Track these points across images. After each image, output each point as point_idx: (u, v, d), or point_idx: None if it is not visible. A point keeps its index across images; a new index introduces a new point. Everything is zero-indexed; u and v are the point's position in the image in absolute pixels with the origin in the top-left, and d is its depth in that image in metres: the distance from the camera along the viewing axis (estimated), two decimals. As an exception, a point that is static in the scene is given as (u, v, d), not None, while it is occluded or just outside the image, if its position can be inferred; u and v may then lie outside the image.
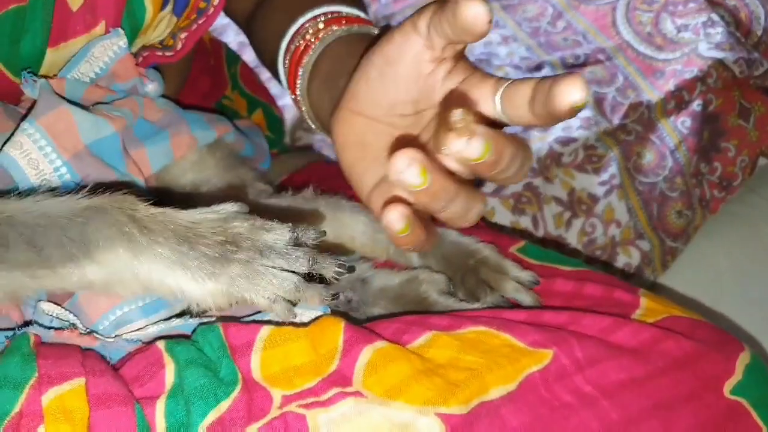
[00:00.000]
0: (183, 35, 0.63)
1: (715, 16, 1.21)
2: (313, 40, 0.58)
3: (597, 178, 1.12)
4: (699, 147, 1.16)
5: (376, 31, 0.59)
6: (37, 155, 0.49)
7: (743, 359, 0.52)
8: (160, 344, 0.45)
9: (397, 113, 0.48)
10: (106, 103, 0.56)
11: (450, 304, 0.57)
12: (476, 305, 0.57)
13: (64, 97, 0.53)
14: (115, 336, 0.46)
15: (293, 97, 0.61)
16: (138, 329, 0.46)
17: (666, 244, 1.15)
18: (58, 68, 0.56)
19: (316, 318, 0.46)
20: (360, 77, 0.48)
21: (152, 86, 0.60)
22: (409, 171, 0.37)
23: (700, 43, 1.19)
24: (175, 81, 0.71)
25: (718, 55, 1.16)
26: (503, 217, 1.06)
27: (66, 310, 0.46)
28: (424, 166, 0.37)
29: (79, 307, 0.46)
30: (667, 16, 1.26)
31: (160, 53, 0.64)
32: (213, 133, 0.61)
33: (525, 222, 1.07)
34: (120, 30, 0.57)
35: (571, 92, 0.37)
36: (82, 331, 0.46)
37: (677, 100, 1.16)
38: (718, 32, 1.19)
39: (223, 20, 0.88)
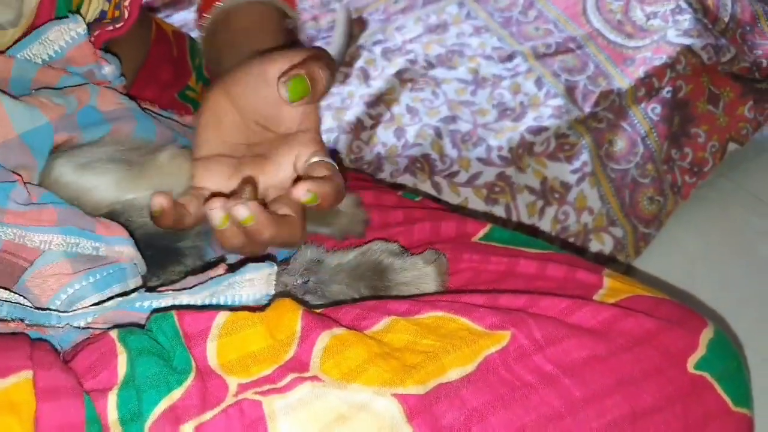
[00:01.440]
0: (126, 2, 0.64)
1: (683, 3, 1.22)
2: None
3: (569, 166, 1.13)
4: (670, 133, 1.17)
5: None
6: None
7: (706, 334, 0.52)
8: (113, 333, 0.44)
9: (258, 121, 0.54)
10: (55, 88, 0.55)
11: (404, 263, 0.57)
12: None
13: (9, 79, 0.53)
14: (66, 324, 0.45)
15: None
16: (93, 304, 0.46)
17: (639, 230, 1.15)
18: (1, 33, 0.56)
19: (273, 302, 0.46)
20: (242, 77, 0.53)
21: (108, 69, 0.59)
22: (215, 214, 0.46)
23: (668, 30, 1.20)
24: (130, 65, 0.71)
25: (687, 41, 1.17)
26: (476, 206, 1.06)
27: (14, 293, 0.45)
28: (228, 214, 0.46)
29: (27, 289, 0.46)
30: (637, 4, 1.27)
31: (110, 28, 0.64)
32: (153, 138, 0.60)
33: (498, 211, 1.07)
34: (78, 16, 0.56)
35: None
36: (29, 323, 0.45)
37: (647, 87, 1.16)
38: (686, 19, 1.20)
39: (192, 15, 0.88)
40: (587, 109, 1.15)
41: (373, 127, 1.18)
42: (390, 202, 0.68)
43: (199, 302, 0.47)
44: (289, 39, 0.67)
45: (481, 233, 0.64)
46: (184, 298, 0.47)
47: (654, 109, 1.16)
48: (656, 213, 1.17)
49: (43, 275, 0.46)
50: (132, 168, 0.54)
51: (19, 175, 0.49)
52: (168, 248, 0.56)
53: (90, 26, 0.62)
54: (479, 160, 1.09)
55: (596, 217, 1.12)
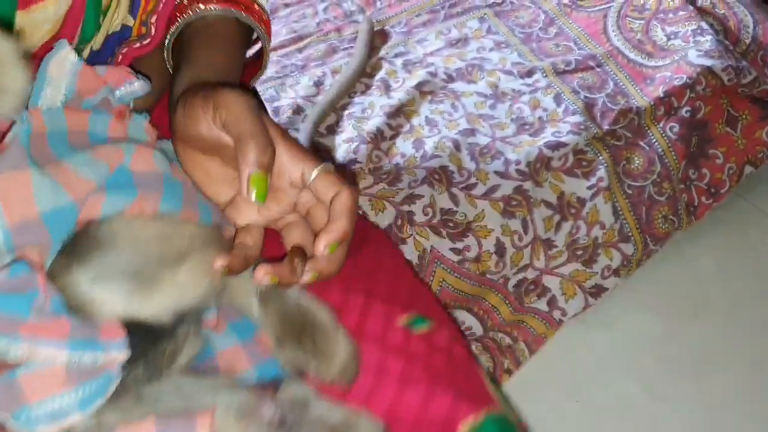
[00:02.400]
0: (153, 19, 0.65)
1: (704, 24, 1.23)
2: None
3: (586, 182, 1.13)
4: (687, 153, 1.17)
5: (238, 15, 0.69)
6: None
7: None
8: None
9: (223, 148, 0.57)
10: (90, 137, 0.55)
11: None
12: None
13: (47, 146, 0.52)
14: None
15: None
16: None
17: (648, 247, 1.16)
18: (30, 34, 0.56)
19: None
20: (188, 119, 0.56)
21: (130, 87, 0.59)
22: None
23: (689, 51, 1.21)
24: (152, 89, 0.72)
25: (707, 62, 1.18)
26: (493, 219, 1.07)
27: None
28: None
29: (16, 384, 0.47)
30: (657, 24, 1.28)
31: (137, 45, 0.64)
32: (177, 212, 0.58)
33: (515, 225, 1.08)
34: (63, 41, 0.56)
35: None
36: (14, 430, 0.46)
37: (666, 106, 1.17)
38: (707, 40, 1.21)
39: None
40: (606, 127, 1.16)
41: (393, 137, 1.20)
42: (396, 339, 0.67)
43: None
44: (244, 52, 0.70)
45: (469, 422, 0.62)
46: None
47: (672, 128, 1.17)
48: (669, 232, 1.18)
49: (37, 375, 0.47)
50: (147, 284, 0.54)
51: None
52: (161, 330, 0.56)
53: (110, 40, 0.63)
54: (497, 173, 1.11)
55: (607, 232, 1.13)
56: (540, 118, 1.20)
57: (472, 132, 1.18)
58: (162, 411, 0.54)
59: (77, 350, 0.48)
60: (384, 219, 1.06)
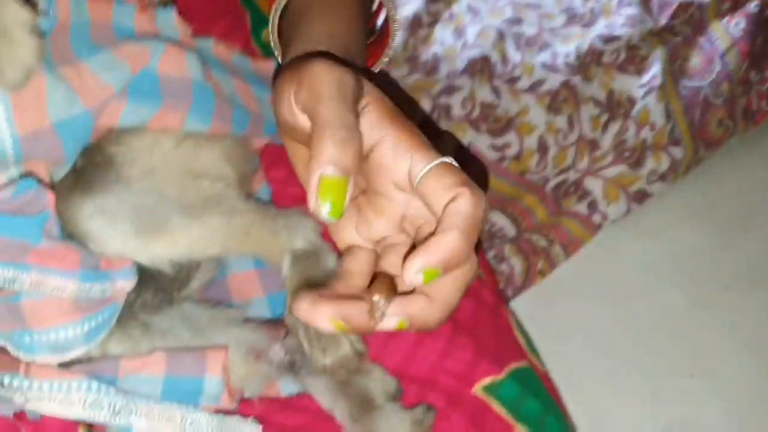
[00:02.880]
0: None
1: None
2: None
3: (638, 79, 1.06)
4: (751, 52, 1.08)
5: None
6: None
7: None
8: None
9: None
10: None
11: (392, 414, 0.54)
12: None
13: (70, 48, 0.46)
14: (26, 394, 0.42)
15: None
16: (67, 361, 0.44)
17: (699, 152, 1.09)
18: None
19: None
20: (275, 99, 0.43)
21: None
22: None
23: (762, -62, 1.10)
24: None
25: (781, -49, 1.07)
26: (537, 115, 1.00)
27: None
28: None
29: (19, 308, 0.43)
30: None
31: None
32: (206, 126, 0.52)
33: (560, 122, 1.01)
34: None
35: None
36: (14, 354, 0.42)
37: (732, 0, 1.08)
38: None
39: None
40: (663, 21, 1.07)
41: (431, 24, 1.11)
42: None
43: (174, 431, 0.45)
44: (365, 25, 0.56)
45: (488, 380, 0.59)
46: (159, 426, 0.45)
47: (737, 24, 1.07)
48: (723, 137, 1.11)
49: (42, 303, 0.43)
50: (154, 230, 0.48)
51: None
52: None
53: None
54: (544, 66, 1.03)
55: (657, 134, 1.06)
56: (592, 9, 1.11)
57: (518, 21, 1.09)
58: (172, 344, 0.51)
59: (87, 282, 0.44)
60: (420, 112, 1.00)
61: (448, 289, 0.39)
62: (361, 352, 0.53)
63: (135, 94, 0.48)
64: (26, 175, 0.45)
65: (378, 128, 0.40)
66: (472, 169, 0.84)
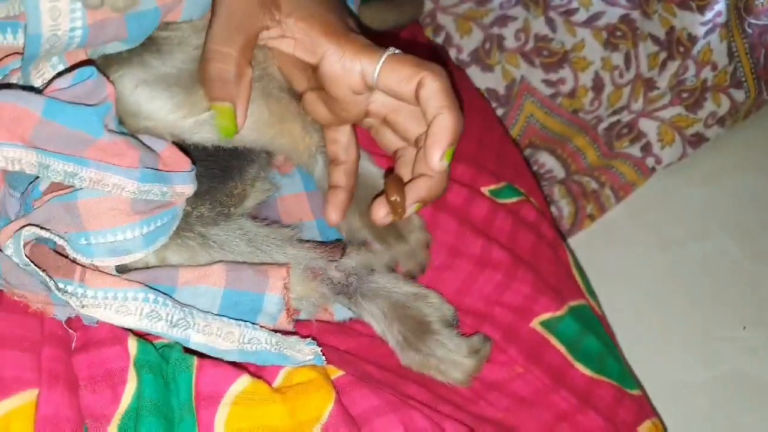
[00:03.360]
0: None
1: None
2: None
3: (701, 17, 1.00)
4: (823, -10, 1.02)
5: None
6: (65, 6, 0.41)
7: None
8: (132, 346, 0.40)
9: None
10: None
11: (450, 340, 0.51)
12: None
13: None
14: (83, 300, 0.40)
15: None
16: (127, 264, 0.42)
17: (762, 95, 1.04)
18: None
19: (305, 381, 0.43)
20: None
21: None
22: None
23: None
24: None
25: None
26: (594, 50, 0.95)
27: (56, 235, 0.40)
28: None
29: (75, 207, 0.40)
30: None
31: None
32: None
33: (617, 59, 0.96)
34: None
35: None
36: (72, 256, 0.40)
37: (805, -67, 1.00)
38: None
39: None
40: (730, -46, 1.01)
41: (482, -47, 1.06)
42: (480, 212, 0.59)
43: (231, 347, 0.42)
44: None
45: (546, 316, 0.56)
46: (218, 342, 0.42)
47: (811, -42, 1.00)
48: (786, 81, 1.05)
49: (99, 204, 0.40)
50: (193, 94, 0.46)
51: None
52: (228, 167, 0.51)
53: None
54: (603, -2, 0.97)
55: (719, 74, 1.01)
56: (653, -60, 1.04)
57: (575, -49, 1.03)
58: (230, 258, 0.48)
59: (146, 182, 0.41)
60: (470, 43, 0.95)
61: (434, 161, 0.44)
62: (429, 241, 0.56)
63: None
64: (87, 62, 0.42)
65: (316, 45, 0.45)
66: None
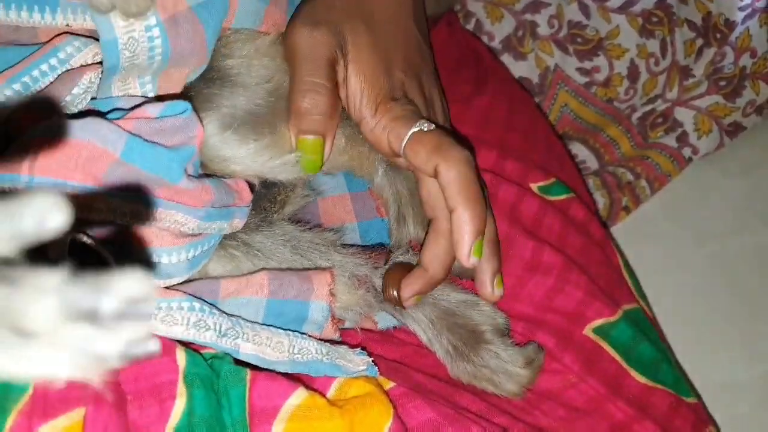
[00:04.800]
0: None
1: None
2: None
3: (739, 1, 0.96)
4: None
5: None
6: None
7: None
8: (180, 359, 0.38)
9: None
10: None
11: (504, 350, 0.49)
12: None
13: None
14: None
15: None
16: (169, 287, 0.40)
17: (804, 83, 1.00)
18: None
19: (362, 394, 0.40)
20: None
21: None
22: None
23: None
24: None
25: None
26: (629, 37, 0.92)
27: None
28: None
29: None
30: None
31: None
32: None
33: (652, 46, 0.93)
34: None
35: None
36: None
37: None
38: None
39: None
40: (769, -65, 0.97)
41: (510, -63, 1.02)
42: (530, 212, 0.57)
43: (281, 357, 0.40)
44: None
45: (599, 322, 0.54)
46: (267, 352, 0.40)
47: None
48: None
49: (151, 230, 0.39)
50: (277, 131, 0.45)
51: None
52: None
53: None
54: (638, -17, 0.94)
55: (758, 62, 0.97)
56: None
57: (607, -66, 0.99)
58: (274, 266, 0.46)
59: (208, 221, 0.39)
60: (501, 30, 0.92)
61: (489, 248, 0.46)
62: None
63: None
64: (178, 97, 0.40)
65: (358, 106, 0.45)
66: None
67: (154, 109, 0.37)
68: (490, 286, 0.46)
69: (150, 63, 0.38)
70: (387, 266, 0.49)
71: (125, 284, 0.18)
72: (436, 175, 0.43)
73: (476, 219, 0.43)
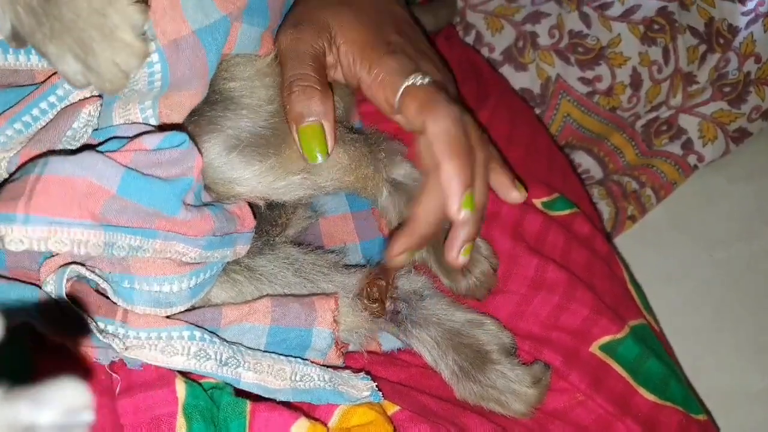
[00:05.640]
0: None
1: None
2: None
3: (741, 6, 0.95)
4: None
5: None
6: None
7: None
8: (179, 390, 0.38)
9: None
10: None
11: (511, 370, 0.48)
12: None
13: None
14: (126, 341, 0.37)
15: None
16: (169, 315, 0.40)
17: (808, 88, 1.00)
18: None
19: (365, 423, 0.40)
20: None
21: None
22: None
23: None
24: None
25: None
26: (630, 45, 0.91)
27: (98, 276, 0.37)
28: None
29: (127, 268, 0.38)
30: None
31: None
32: None
33: (654, 54, 0.92)
34: None
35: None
36: (113, 299, 0.37)
37: None
38: None
39: None
40: (770, -61, 0.96)
41: (509, -53, 1.02)
42: (533, 228, 0.56)
43: (283, 385, 0.40)
44: None
45: (606, 339, 0.53)
46: (269, 380, 0.40)
47: None
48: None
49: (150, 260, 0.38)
50: (282, 153, 0.45)
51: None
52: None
53: None
54: (639, -10, 0.93)
55: (762, 67, 0.96)
56: (688, -73, 1.00)
57: (607, -58, 0.99)
58: (278, 290, 0.45)
59: (209, 250, 0.39)
60: (502, 41, 0.92)
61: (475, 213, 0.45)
62: (496, 266, 0.54)
63: (248, 12, 0.44)
64: (176, 128, 0.40)
65: (354, 70, 0.46)
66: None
67: (151, 141, 0.37)
68: (455, 251, 0.45)
69: (150, 89, 0.38)
70: (369, 271, 0.49)
71: (62, 395, 0.18)
72: (425, 131, 0.43)
73: (462, 172, 0.42)
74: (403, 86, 0.44)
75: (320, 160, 0.43)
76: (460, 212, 0.42)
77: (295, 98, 0.43)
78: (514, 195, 0.50)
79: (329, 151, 0.44)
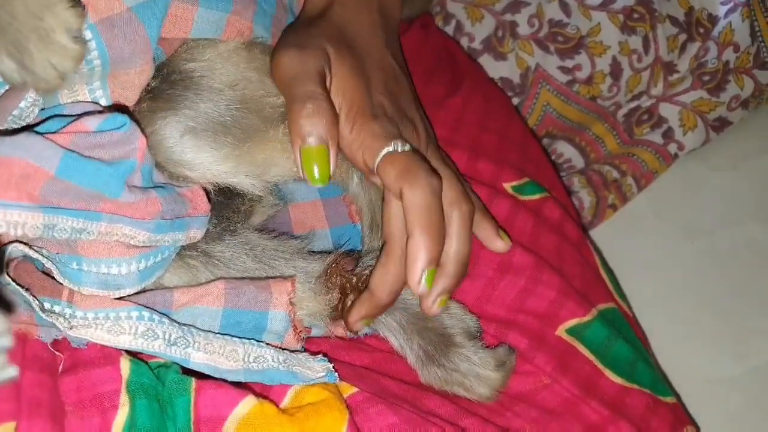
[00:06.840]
0: None
1: None
2: None
3: (721, -5, 0.96)
4: None
5: None
6: None
7: None
8: (124, 368, 0.37)
9: None
10: None
11: (474, 353, 0.48)
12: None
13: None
14: (73, 326, 0.37)
15: None
16: (119, 297, 0.39)
17: (788, 76, 1.00)
18: None
19: (317, 401, 0.39)
20: None
21: None
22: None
23: None
24: None
25: None
26: (610, 34, 0.91)
27: (44, 256, 0.36)
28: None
29: (75, 249, 0.38)
30: None
31: None
32: (269, 38, 0.49)
33: (634, 42, 0.92)
34: None
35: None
36: (59, 280, 0.37)
37: None
38: None
39: None
40: (750, -72, 0.97)
41: (491, -63, 1.02)
42: (501, 212, 0.56)
43: (235, 366, 0.39)
44: None
45: (573, 322, 0.53)
46: (220, 361, 0.39)
47: (836, -71, 0.96)
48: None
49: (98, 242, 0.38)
50: (240, 146, 0.44)
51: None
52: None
53: None
54: (618, -21, 0.93)
55: (741, 56, 0.97)
56: None
57: (587, -69, 0.99)
58: (234, 276, 0.45)
59: (159, 233, 0.39)
60: (481, 30, 0.92)
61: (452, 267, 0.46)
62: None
63: None
64: (119, 110, 0.39)
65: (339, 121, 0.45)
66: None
67: (91, 123, 0.37)
68: (431, 300, 0.45)
69: (91, 68, 0.38)
70: (330, 261, 0.49)
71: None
72: (401, 197, 0.43)
73: (432, 248, 0.42)
74: (384, 152, 0.44)
75: (321, 184, 0.43)
76: (420, 286, 0.42)
77: (307, 115, 0.42)
78: (498, 245, 0.51)
79: (330, 177, 0.43)
